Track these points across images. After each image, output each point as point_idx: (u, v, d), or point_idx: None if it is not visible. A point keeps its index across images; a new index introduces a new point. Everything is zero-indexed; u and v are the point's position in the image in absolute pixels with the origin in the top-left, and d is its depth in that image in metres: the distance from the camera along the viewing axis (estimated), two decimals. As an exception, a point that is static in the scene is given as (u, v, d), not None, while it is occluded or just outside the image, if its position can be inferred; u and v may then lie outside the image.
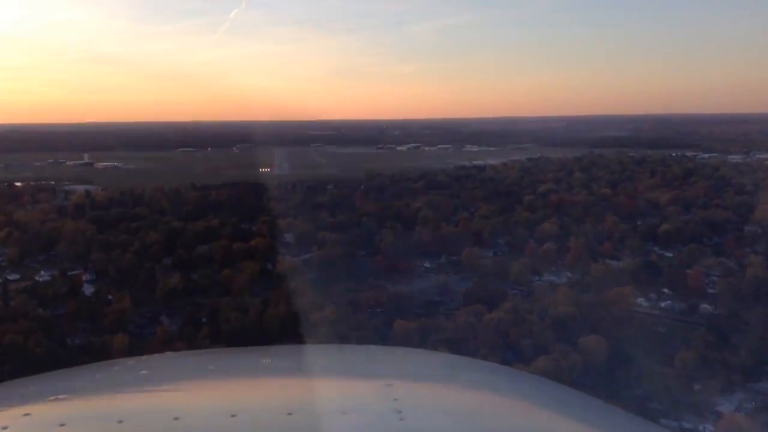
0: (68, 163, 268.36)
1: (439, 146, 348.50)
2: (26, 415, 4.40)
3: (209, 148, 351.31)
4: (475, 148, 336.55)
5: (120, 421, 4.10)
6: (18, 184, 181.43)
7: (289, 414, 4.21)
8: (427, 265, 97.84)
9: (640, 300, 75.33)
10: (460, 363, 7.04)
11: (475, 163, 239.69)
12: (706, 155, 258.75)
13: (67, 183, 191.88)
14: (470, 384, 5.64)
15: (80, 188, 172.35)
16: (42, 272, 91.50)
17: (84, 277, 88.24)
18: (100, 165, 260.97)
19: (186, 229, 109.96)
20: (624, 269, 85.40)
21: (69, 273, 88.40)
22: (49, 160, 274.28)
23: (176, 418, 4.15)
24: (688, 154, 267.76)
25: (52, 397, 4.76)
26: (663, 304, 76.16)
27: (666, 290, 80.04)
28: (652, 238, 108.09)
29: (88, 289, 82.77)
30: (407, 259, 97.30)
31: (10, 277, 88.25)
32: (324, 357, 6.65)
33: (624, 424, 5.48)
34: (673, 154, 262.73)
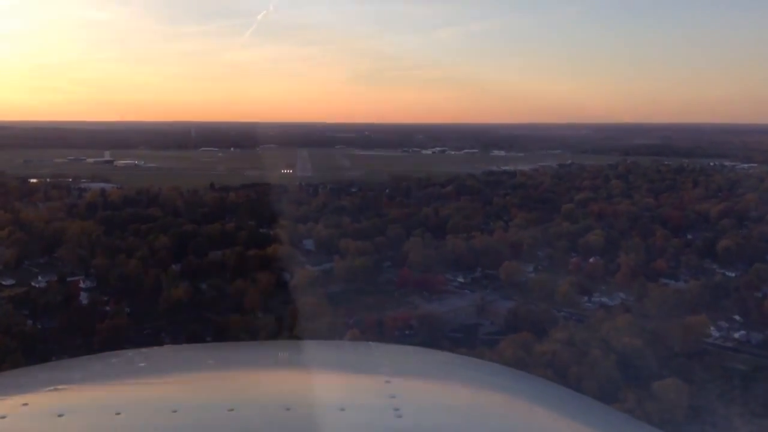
0: (88, 160, 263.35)
1: (465, 150, 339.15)
2: (24, 404, 4.32)
3: (232, 149, 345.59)
4: (502, 153, 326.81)
5: (118, 413, 4.00)
6: (33, 180, 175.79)
7: (287, 409, 4.11)
8: (460, 279, 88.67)
9: (711, 329, 65.41)
10: (460, 361, 6.76)
11: (504, 168, 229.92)
12: (746, 165, 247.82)
13: (84, 180, 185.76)
14: (469, 382, 5.42)
15: (96, 186, 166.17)
16: (39, 277, 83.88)
17: (83, 285, 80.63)
18: (120, 163, 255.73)
19: (199, 233, 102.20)
20: (686, 291, 75.50)
21: (68, 279, 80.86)
22: (70, 157, 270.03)
23: (174, 411, 4.04)
24: (726, 163, 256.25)
25: (50, 388, 4.71)
26: (737, 335, 66.13)
27: (737, 317, 69.98)
28: (709, 255, 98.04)
29: (87, 299, 75.06)
30: (438, 271, 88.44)
31: (5, 282, 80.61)
32: (323, 352, 6.25)
33: (622, 426, 5.17)
34: (712, 164, 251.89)
